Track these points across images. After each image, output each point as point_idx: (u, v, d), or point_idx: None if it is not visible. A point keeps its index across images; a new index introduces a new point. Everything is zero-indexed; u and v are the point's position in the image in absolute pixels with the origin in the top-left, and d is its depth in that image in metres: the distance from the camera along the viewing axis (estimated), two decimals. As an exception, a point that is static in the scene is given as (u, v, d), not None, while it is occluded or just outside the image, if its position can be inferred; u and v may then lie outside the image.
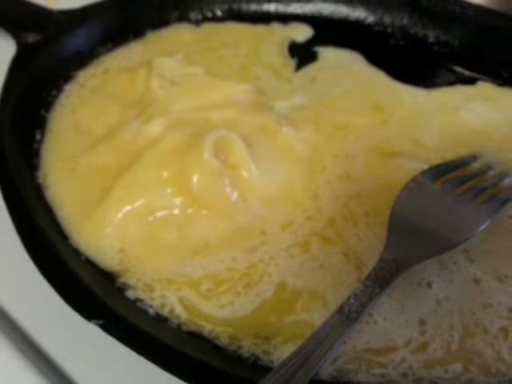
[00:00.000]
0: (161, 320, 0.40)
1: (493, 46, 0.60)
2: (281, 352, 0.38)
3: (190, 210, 0.46)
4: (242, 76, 0.59)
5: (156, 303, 0.41)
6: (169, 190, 0.46)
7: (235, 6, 0.66)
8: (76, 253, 0.44)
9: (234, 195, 0.46)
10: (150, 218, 0.45)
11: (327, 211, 0.46)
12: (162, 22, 0.65)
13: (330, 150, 0.50)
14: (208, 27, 0.66)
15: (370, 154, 0.50)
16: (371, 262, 0.41)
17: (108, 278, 0.43)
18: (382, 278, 0.38)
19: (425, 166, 0.47)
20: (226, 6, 0.66)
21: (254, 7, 0.67)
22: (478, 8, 0.62)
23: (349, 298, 0.37)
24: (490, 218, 0.43)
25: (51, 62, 0.57)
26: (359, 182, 0.48)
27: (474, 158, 0.49)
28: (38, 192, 0.48)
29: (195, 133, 0.48)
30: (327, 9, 0.66)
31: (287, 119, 0.53)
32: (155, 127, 0.50)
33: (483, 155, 0.49)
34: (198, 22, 0.66)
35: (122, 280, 0.43)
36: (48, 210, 0.46)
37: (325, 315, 0.38)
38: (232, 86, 0.55)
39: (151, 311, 0.41)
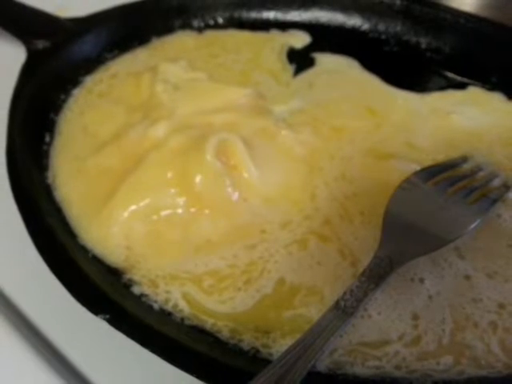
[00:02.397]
0: (165, 314, 0.40)
1: (482, 53, 0.60)
2: (280, 345, 0.38)
3: (192, 210, 0.46)
4: (242, 81, 0.59)
5: (160, 298, 0.41)
6: (172, 190, 0.46)
7: (236, 14, 0.66)
8: (84, 250, 0.44)
9: (235, 195, 0.46)
10: (155, 217, 0.45)
11: (324, 210, 0.46)
12: (166, 30, 0.65)
13: (326, 152, 0.50)
14: (210, 34, 0.66)
15: (365, 155, 0.50)
16: (366, 259, 0.41)
17: (114, 274, 0.43)
18: (376, 275, 0.38)
19: (417, 167, 0.47)
20: (227, 14, 0.66)
21: (254, 15, 0.67)
22: (468, 16, 0.62)
23: (345, 294, 0.37)
24: (480, 217, 0.43)
25: (60, 67, 0.57)
26: (355, 183, 0.48)
27: (465, 159, 0.49)
28: (48, 192, 0.48)
29: (198, 135, 0.48)
30: (324, 17, 0.66)
31: (286, 122, 0.52)
32: (160, 130, 0.50)
33: (473, 157, 0.49)
34: (200, 30, 0.66)
35: (128, 276, 0.42)
36: (57, 210, 0.46)
37: (322, 310, 0.38)
38: (233, 91, 0.55)
39: (156, 306, 0.41)
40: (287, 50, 0.63)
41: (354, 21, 0.65)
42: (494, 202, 0.45)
